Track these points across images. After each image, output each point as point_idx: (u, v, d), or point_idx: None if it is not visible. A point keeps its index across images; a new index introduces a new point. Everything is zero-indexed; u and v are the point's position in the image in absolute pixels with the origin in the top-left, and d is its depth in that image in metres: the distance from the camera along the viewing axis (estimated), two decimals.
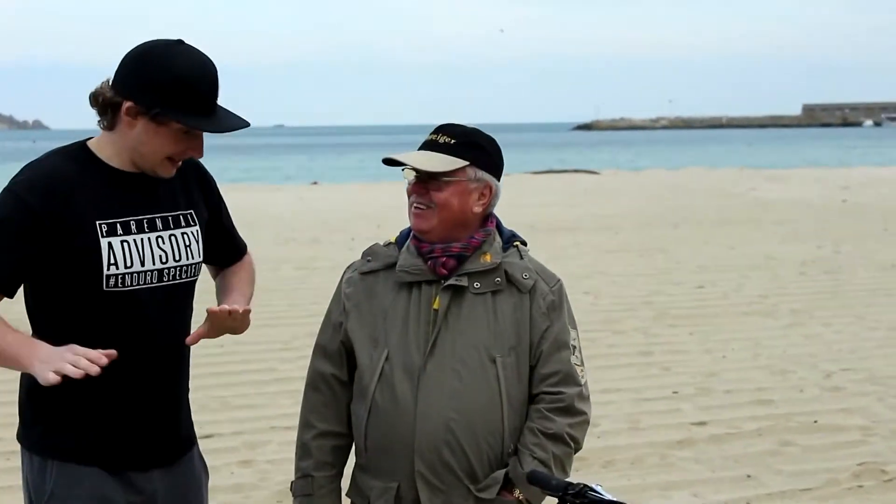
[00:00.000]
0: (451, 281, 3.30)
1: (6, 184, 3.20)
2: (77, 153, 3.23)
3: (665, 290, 13.43)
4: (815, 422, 7.85)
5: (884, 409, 8.15)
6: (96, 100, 3.19)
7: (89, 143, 3.27)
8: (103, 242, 3.14)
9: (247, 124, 3.23)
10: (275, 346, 10.35)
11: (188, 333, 3.31)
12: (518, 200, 24.69)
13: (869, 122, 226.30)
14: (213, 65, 3.19)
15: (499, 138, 3.47)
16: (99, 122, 3.21)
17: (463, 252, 3.33)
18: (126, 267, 3.16)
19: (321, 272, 14.80)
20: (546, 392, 3.31)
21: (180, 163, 3.24)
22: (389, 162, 3.34)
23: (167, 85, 3.07)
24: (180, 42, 3.19)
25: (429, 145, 3.35)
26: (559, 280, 3.41)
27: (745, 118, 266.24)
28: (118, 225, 3.17)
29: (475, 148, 3.35)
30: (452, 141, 3.32)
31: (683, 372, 9.43)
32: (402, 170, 3.36)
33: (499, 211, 3.44)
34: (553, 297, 3.35)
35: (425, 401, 3.25)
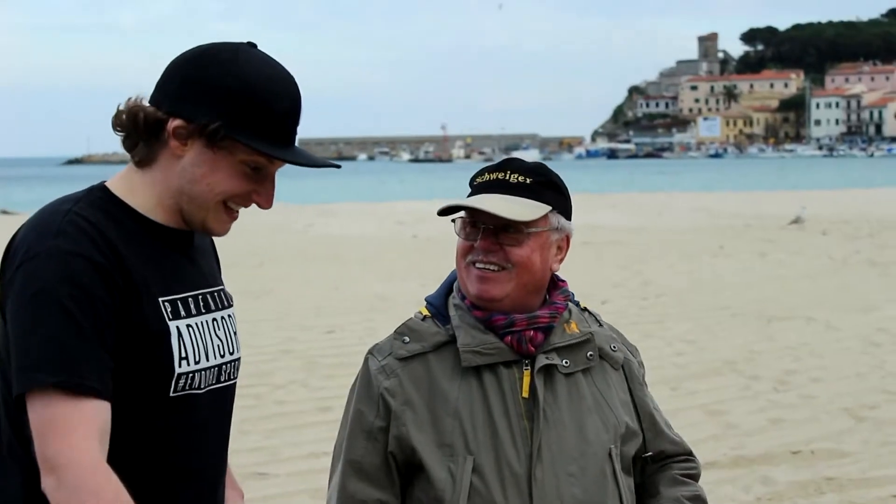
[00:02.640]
0: (544, 360, 2.64)
1: (26, 255, 2.18)
2: (102, 202, 2.28)
3: (300, 337, 12.73)
4: None
5: None
6: (126, 121, 2.25)
7: (111, 188, 2.30)
8: (172, 327, 2.27)
9: (337, 166, 2.47)
10: None
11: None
12: None
13: (363, 156, 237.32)
14: (296, 82, 2.32)
15: None
16: (132, 156, 2.31)
17: (551, 322, 2.68)
18: (195, 362, 2.31)
19: None
20: (672, 461, 2.82)
21: (237, 216, 2.38)
22: (446, 211, 2.66)
23: (234, 94, 2.25)
24: (252, 45, 2.29)
25: (498, 185, 2.64)
26: (637, 349, 2.91)
27: None
28: (179, 304, 2.32)
29: (552, 188, 2.71)
30: (528, 180, 2.66)
31: None
32: (453, 220, 2.68)
33: None
34: (642, 370, 2.86)
35: None
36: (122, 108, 2.29)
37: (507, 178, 2.65)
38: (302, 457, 7.92)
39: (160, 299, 2.27)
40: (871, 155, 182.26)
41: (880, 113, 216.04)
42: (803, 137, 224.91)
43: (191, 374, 2.30)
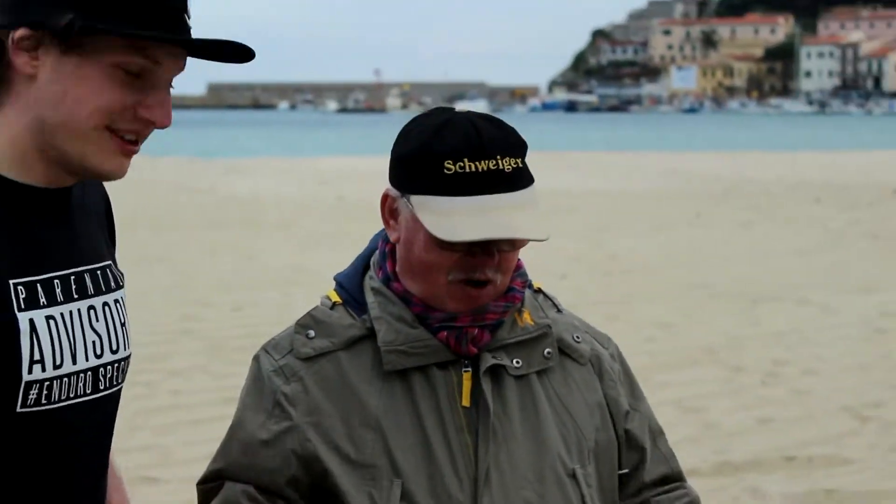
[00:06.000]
0: (490, 360, 2.45)
1: None
2: None
3: (201, 315, 12.73)
4: None
5: None
6: None
7: None
8: (21, 320, 2.02)
9: (249, 51, 2.11)
10: None
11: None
12: None
13: (284, 105, 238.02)
14: None
15: None
16: None
17: (502, 318, 2.48)
18: (55, 366, 2.05)
19: None
20: (661, 492, 2.62)
21: (137, 148, 2.10)
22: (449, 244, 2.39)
23: None
24: None
25: (495, 181, 2.39)
26: (609, 337, 2.68)
27: None
28: (39, 287, 2.06)
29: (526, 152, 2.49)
30: (518, 162, 2.43)
31: None
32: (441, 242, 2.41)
33: None
34: (618, 364, 2.64)
35: None
36: None
37: (501, 166, 2.40)
38: (199, 459, 7.66)
39: (11, 282, 2.02)
40: (870, 112, 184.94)
41: (880, 64, 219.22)
42: (791, 91, 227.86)
43: (47, 383, 2.05)
